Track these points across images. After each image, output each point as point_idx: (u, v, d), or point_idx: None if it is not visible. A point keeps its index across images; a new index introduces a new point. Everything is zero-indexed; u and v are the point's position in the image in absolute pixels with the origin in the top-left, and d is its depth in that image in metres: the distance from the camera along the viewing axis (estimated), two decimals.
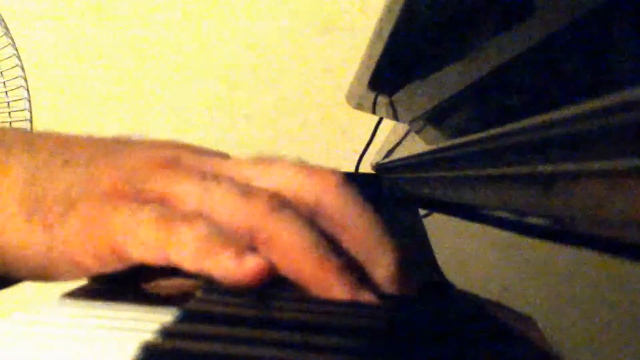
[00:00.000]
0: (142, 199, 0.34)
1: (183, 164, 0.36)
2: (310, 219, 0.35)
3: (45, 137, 0.38)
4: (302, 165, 0.38)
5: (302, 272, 0.34)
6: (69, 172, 0.36)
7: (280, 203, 0.34)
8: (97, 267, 0.35)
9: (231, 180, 0.36)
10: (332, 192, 0.36)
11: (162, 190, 0.35)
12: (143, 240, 0.33)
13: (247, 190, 0.35)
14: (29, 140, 0.38)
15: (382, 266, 0.36)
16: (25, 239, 0.35)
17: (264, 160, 0.38)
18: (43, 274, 0.36)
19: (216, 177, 0.35)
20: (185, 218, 0.33)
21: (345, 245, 0.36)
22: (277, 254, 0.34)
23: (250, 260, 0.33)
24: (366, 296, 0.34)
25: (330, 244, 0.35)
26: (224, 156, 0.39)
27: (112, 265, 0.35)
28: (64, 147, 0.37)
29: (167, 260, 0.33)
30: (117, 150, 0.37)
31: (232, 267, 0.33)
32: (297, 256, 0.34)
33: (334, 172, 0.37)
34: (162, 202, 0.35)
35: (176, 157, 0.36)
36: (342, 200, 0.36)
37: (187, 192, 0.35)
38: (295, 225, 0.34)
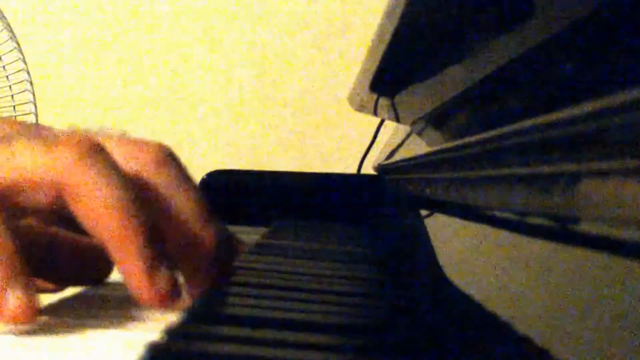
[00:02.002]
0: None
1: None
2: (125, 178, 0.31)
3: None
4: (124, 137, 0.34)
5: (103, 230, 0.30)
6: None
7: (90, 147, 0.30)
8: None
9: (37, 138, 0.31)
10: (154, 165, 0.33)
11: None
12: None
13: (52, 139, 0.31)
14: None
15: (201, 244, 0.34)
16: None
17: (87, 130, 0.34)
18: None
19: (19, 139, 0.31)
20: None
21: (161, 222, 0.33)
22: (80, 208, 0.30)
23: (11, 298, 0.28)
24: (162, 278, 0.31)
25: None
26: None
27: None
28: None
29: None
30: None
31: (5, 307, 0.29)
32: (101, 210, 0.30)
33: (159, 146, 0.34)
34: None
35: None
36: (163, 174, 0.33)
37: None
38: (105, 173, 0.30)
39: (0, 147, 0.30)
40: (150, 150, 0.33)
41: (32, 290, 0.29)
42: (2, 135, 0.31)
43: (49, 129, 0.34)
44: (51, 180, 0.30)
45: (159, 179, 0.33)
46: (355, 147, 1.25)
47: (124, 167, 0.32)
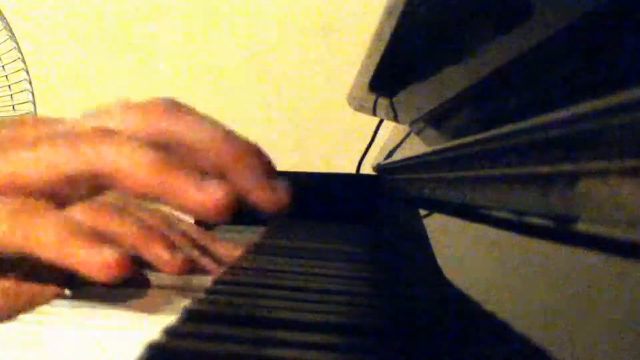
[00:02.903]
0: None
1: (16, 140, 0.34)
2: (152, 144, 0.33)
3: None
4: (129, 105, 0.36)
5: (151, 189, 0.32)
6: None
7: (108, 133, 0.33)
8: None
9: (60, 136, 0.33)
10: (161, 118, 0.35)
11: (2, 173, 0.33)
12: (2, 241, 0.32)
13: (75, 137, 0.33)
14: None
15: (239, 167, 0.35)
16: None
17: (89, 114, 0.36)
18: None
19: (46, 140, 0.33)
20: (37, 211, 0.32)
21: (198, 162, 0.34)
22: (123, 181, 0.32)
23: (107, 252, 0.31)
24: (212, 189, 0.32)
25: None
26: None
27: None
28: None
29: (28, 253, 0.32)
30: None
31: (89, 262, 0.31)
32: (141, 176, 0.32)
33: (162, 99, 0.36)
34: (6, 186, 0.33)
35: (10, 135, 0.35)
36: (178, 120, 0.35)
37: (23, 166, 0.33)
38: (130, 146, 0.32)
39: (31, 150, 0.33)
40: (152, 105, 0.35)
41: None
42: (28, 137, 0.34)
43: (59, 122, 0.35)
44: (89, 170, 0.32)
45: (177, 127, 0.35)
46: (354, 147, 1.25)
47: (140, 132, 0.34)
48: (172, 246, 0.40)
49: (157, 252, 0.40)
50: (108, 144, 0.32)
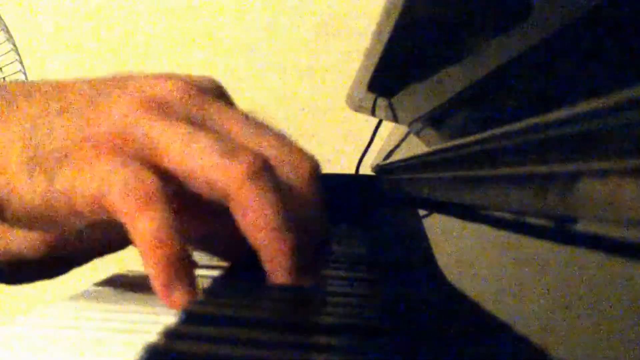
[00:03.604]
0: (128, 149, 0.35)
1: (171, 108, 0.36)
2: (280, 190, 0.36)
3: (42, 85, 0.39)
4: (289, 142, 0.39)
5: (261, 243, 0.35)
6: (64, 120, 0.36)
7: (261, 167, 0.35)
8: (90, 215, 0.36)
9: (216, 134, 0.36)
10: (306, 180, 0.38)
11: (146, 141, 0.35)
12: (117, 200, 0.34)
13: (231, 148, 0.35)
14: (28, 91, 0.38)
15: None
16: (27, 190, 0.36)
17: (257, 123, 0.39)
18: (46, 222, 0.37)
19: (202, 127, 0.36)
20: (153, 205, 0.33)
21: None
22: (244, 219, 0.35)
23: (177, 292, 0.33)
24: (305, 282, 0.36)
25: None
26: (219, 96, 0.40)
27: (101, 215, 0.35)
28: (60, 94, 0.38)
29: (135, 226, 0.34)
30: (109, 94, 0.37)
31: (160, 291, 0.34)
32: (262, 227, 0.35)
33: (313, 160, 0.39)
34: (147, 153, 0.35)
35: (166, 99, 0.37)
36: (310, 189, 0.38)
37: (168, 144, 0.35)
38: (270, 196, 0.35)
39: (184, 132, 0.35)
40: (306, 168, 0.38)
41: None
42: (186, 115, 0.36)
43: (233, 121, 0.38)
44: (223, 186, 0.35)
45: (307, 197, 0.38)
46: (353, 147, 1.25)
47: (283, 180, 0.37)
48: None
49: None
50: (257, 177, 0.35)
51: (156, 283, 0.34)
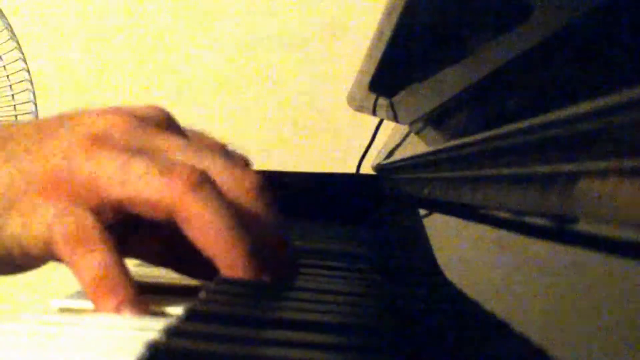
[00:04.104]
0: (71, 189, 0.36)
1: (110, 141, 0.37)
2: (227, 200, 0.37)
3: None
4: (230, 155, 0.41)
5: (215, 251, 0.36)
6: (9, 169, 0.38)
7: (200, 179, 0.36)
8: (44, 257, 0.37)
9: (153, 155, 0.37)
10: (247, 189, 0.39)
11: (87, 178, 0.36)
12: (60, 246, 0.35)
13: (167, 167, 0.36)
14: None
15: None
16: None
17: (199, 143, 0.40)
18: (7, 264, 0.38)
19: (139, 153, 0.37)
20: (89, 245, 0.35)
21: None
22: (193, 231, 0.36)
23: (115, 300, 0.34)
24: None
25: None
26: (163, 124, 0.41)
27: (52, 257, 0.37)
28: (5, 142, 0.39)
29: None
30: (52, 134, 0.38)
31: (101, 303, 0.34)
32: (212, 235, 0.36)
33: (256, 173, 0.40)
34: (90, 189, 0.36)
35: (106, 133, 0.38)
36: (253, 199, 0.39)
37: (107, 176, 0.36)
38: (213, 204, 0.36)
39: (121, 161, 0.36)
40: (249, 180, 0.39)
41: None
42: (124, 145, 0.37)
43: (164, 140, 0.39)
44: (166, 204, 0.36)
45: (254, 207, 0.39)
46: (354, 147, 1.25)
47: (226, 193, 0.37)
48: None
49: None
50: (198, 189, 0.36)
51: (101, 309, 0.35)
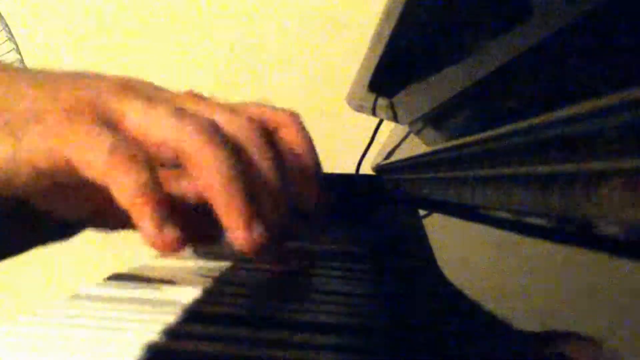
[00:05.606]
0: (96, 117, 0.38)
1: (135, 90, 0.41)
2: (238, 147, 0.40)
3: (14, 65, 0.43)
4: (236, 110, 0.43)
5: (212, 194, 0.38)
6: (35, 89, 0.39)
7: (211, 127, 0.39)
8: (53, 175, 0.38)
9: (172, 105, 0.40)
10: (293, 124, 0.45)
11: (118, 111, 0.39)
12: (90, 163, 0.37)
13: (183, 113, 0.39)
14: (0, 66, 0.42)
15: (308, 193, 0.44)
16: None
17: (215, 102, 0.43)
18: (7, 180, 0.39)
19: (159, 101, 0.40)
20: (130, 157, 0.37)
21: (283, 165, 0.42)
22: (196, 171, 0.38)
23: (168, 231, 0.36)
24: (257, 232, 0.38)
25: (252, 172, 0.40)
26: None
27: (65, 175, 0.38)
28: (32, 72, 0.41)
29: (106, 183, 0.37)
30: (81, 77, 0.41)
31: (151, 233, 0.36)
32: (213, 180, 0.38)
33: (292, 112, 0.45)
34: (116, 124, 0.39)
35: (131, 84, 0.41)
36: (302, 133, 0.46)
37: (131, 111, 0.39)
38: (220, 150, 0.38)
39: (144, 105, 0.39)
40: (250, 127, 0.42)
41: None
42: (147, 95, 0.40)
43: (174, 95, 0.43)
44: (179, 146, 0.38)
45: (254, 147, 0.41)
46: (354, 147, 1.25)
47: (229, 135, 0.40)
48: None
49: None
50: (207, 134, 0.38)
51: (147, 230, 0.36)
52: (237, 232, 0.38)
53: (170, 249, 0.36)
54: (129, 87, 0.41)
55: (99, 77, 0.42)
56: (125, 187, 0.36)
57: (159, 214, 0.36)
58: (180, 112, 0.39)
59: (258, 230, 0.38)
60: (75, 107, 0.38)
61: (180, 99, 0.42)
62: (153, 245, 0.36)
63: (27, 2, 1.67)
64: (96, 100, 0.39)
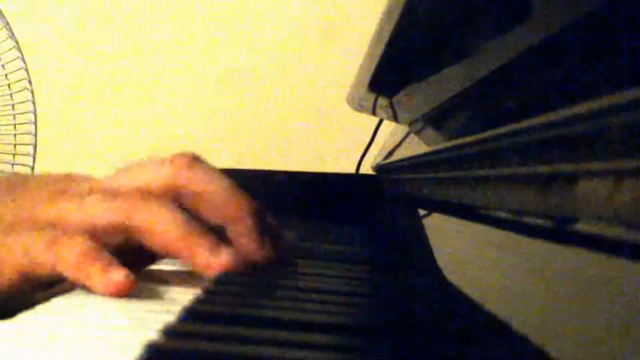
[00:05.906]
0: (37, 225, 0.42)
1: (67, 193, 0.43)
2: (174, 199, 0.43)
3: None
4: (156, 160, 0.45)
5: (173, 249, 0.41)
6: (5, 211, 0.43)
7: (144, 195, 0.42)
8: (11, 286, 0.41)
9: (102, 192, 0.43)
10: (184, 170, 0.44)
11: (52, 216, 0.42)
12: (39, 261, 0.40)
13: (114, 194, 0.42)
14: None
15: (239, 223, 0.44)
16: None
17: (124, 169, 0.45)
18: None
19: (90, 194, 0.43)
20: (67, 237, 0.40)
21: (205, 213, 0.43)
22: (150, 238, 0.41)
23: (115, 274, 0.38)
24: (223, 256, 0.41)
25: (193, 217, 0.42)
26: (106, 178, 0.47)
27: (21, 284, 0.41)
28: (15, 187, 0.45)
29: (60, 275, 0.39)
30: (18, 187, 0.45)
31: (100, 281, 0.38)
32: (167, 238, 0.41)
33: (183, 154, 0.45)
34: (54, 225, 0.41)
35: (62, 188, 0.44)
36: (194, 174, 0.44)
37: (69, 212, 0.42)
38: (161, 211, 0.41)
39: (77, 201, 0.42)
40: (177, 160, 0.44)
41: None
42: (76, 190, 0.43)
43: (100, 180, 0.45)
44: (123, 223, 0.41)
45: (192, 179, 0.44)
46: (354, 147, 1.25)
47: (165, 182, 0.43)
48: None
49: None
50: (144, 204, 0.41)
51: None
52: (202, 261, 0.41)
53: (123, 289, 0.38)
54: (59, 193, 0.43)
55: (32, 185, 0.45)
56: (67, 259, 0.39)
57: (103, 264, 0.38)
58: (111, 196, 0.42)
59: (225, 255, 0.41)
60: (17, 222, 0.42)
61: (103, 183, 0.44)
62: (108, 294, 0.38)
63: (28, 0, 1.67)
64: (33, 212, 0.42)
